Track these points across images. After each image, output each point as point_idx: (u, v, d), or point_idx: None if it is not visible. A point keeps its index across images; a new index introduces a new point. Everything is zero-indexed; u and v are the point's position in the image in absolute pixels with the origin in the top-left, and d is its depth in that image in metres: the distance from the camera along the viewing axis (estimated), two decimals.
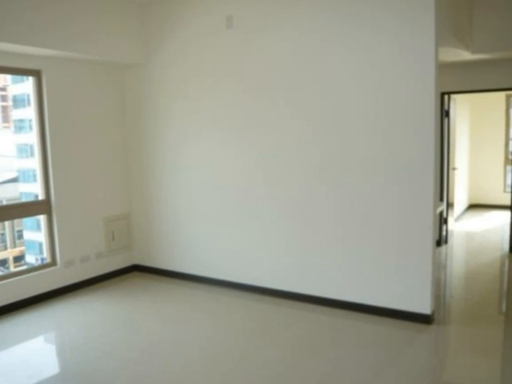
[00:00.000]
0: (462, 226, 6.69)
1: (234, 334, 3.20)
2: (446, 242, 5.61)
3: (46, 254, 4.14)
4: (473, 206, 8.10)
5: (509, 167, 7.66)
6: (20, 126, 4.66)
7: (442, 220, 5.51)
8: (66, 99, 4.10)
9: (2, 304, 3.68)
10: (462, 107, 6.90)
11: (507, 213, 6.51)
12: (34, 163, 4.09)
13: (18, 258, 4.89)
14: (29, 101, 4.08)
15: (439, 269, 4.66)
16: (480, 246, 5.50)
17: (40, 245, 4.37)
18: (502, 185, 7.93)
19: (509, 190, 7.58)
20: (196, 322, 3.45)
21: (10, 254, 4.88)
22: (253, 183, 3.92)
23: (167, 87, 4.34)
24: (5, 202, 4.46)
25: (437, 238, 5.37)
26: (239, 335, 3.18)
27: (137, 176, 4.71)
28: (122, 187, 4.72)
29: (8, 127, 4.91)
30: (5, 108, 5.07)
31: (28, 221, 4.70)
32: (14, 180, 4.74)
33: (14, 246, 4.88)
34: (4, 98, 4.99)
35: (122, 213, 4.72)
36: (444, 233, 5.55)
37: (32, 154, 4.15)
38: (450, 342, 3.09)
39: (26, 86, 4.23)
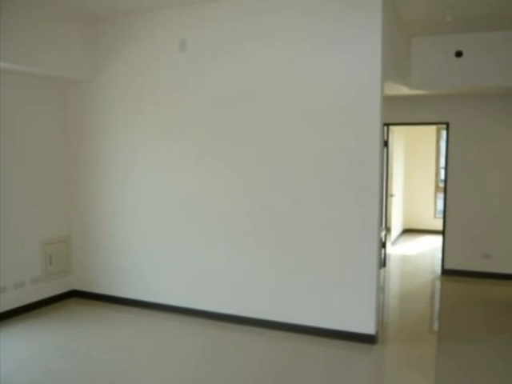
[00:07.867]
0: (398, 249, 7.67)
1: (180, 360, 3.51)
2: (384, 265, 6.51)
3: None
4: (407, 231, 9.29)
5: (439, 194, 8.92)
6: None
7: (381, 244, 6.43)
8: None
9: None
10: (397, 138, 7.97)
11: (438, 237, 7.76)
12: None
13: None
14: None
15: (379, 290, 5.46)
16: (415, 268, 6.41)
17: None
18: (432, 211, 9.32)
19: (439, 215, 8.99)
20: (143, 349, 3.72)
21: None
22: (180, 211, 4.30)
23: (111, 112, 4.60)
24: None
25: None
26: (186, 361, 3.50)
27: (78, 195, 4.90)
28: (61, 207, 4.85)
29: None
30: None
31: None
32: None
33: None
34: None
35: (61, 235, 4.85)
36: (383, 256, 6.51)
37: None
38: (394, 361, 3.64)
39: None
